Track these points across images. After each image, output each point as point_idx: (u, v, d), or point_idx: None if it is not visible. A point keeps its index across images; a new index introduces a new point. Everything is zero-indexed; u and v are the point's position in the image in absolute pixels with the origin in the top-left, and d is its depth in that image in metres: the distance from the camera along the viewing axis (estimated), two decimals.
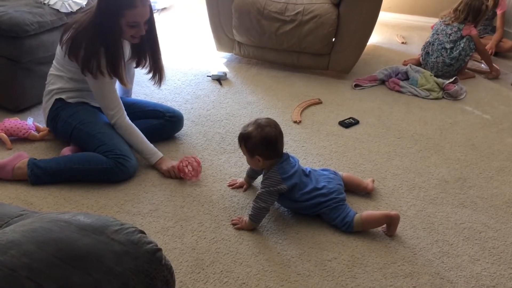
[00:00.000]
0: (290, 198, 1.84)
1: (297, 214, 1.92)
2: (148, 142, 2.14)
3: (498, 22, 3.70)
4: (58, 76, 2.14)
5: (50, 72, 2.18)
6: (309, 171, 1.93)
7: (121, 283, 0.76)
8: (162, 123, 2.33)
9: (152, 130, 2.26)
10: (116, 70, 2.01)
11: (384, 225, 1.84)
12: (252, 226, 1.81)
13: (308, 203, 1.84)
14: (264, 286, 1.58)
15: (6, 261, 0.73)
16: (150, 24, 2.07)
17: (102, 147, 2.03)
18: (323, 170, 2.01)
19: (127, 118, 2.12)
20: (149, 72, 2.22)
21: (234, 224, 1.84)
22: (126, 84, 2.10)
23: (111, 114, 2.09)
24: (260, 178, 1.92)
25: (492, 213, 2.00)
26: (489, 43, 3.63)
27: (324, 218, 1.87)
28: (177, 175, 2.09)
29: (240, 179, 2.08)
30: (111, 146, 2.03)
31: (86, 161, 2.01)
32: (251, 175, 2.04)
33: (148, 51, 2.17)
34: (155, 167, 2.14)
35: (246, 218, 1.83)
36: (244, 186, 2.05)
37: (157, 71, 2.22)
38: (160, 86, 2.26)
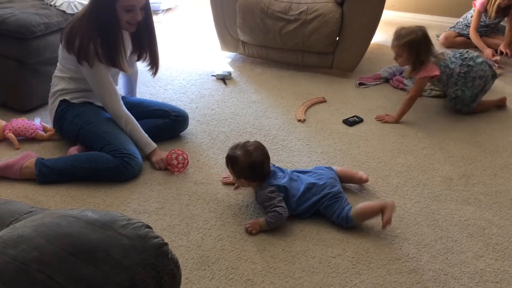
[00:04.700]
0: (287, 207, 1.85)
1: None
2: (144, 132, 2.18)
3: (508, 27, 3.60)
4: (60, 78, 2.19)
5: (54, 74, 2.22)
6: (298, 175, 1.95)
7: (128, 276, 0.78)
8: (168, 123, 2.35)
9: (157, 130, 2.29)
10: (114, 56, 2.04)
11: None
12: (267, 228, 1.82)
13: (303, 207, 1.86)
14: (269, 283, 1.60)
15: (18, 255, 0.76)
16: (146, 12, 2.10)
17: (108, 147, 2.05)
18: (315, 168, 2.03)
19: (124, 107, 2.16)
20: (148, 64, 2.27)
21: (249, 232, 1.81)
22: (125, 69, 2.12)
23: (108, 103, 2.13)
24: None
25: (496, 209, 2.00)
26: (502, 44, 3.56)
27: (323, 215, 1.89)
28: (165, 167, 2.14)
29: None
30: (117, 145, 2.05)
31: (93, 161, 2.04)
32: None
33: (146, 44, 2.21)
34: (147, 157, 2.19)
35: (257, 220, 1.83)
36: (236, 184, 2.08)
37: (154, 63, 2.26)
38: (155, 75, 2.30)
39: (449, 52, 2.76)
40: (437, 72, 2.57)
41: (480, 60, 2.67)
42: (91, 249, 0.78)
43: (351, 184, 2.10)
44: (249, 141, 1.88)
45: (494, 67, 3.40)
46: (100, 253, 0.78)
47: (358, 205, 1.85)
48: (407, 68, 2.64)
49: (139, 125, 2.18)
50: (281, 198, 1.82)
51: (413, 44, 2.48)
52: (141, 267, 0.80)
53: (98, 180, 2.05)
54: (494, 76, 2.76)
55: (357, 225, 1.84)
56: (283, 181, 1.87)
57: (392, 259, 1.72)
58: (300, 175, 1.96)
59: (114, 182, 2.05)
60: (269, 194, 1.82)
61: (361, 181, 2.06)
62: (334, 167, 2.04)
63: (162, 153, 2.19)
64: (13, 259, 0.75)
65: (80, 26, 2.00)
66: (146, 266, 0.81)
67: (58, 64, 2.20)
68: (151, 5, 2.13)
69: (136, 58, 2.29)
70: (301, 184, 1.90)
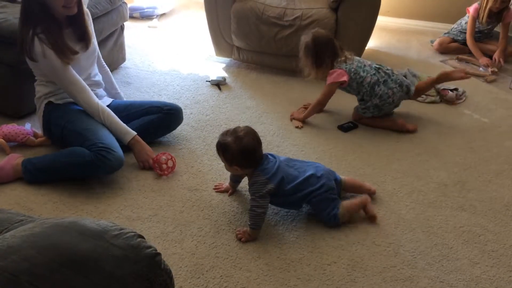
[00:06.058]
0: (280, 193, 1.83)
1: (296, 218, 1.92)
2: (120, 121, 2.17)
3: (502, 33, 3.59)
4: (39, 84, 2.21)
5: (35, 83, 2.23)
6: (294, 163, 1.93)
7: (120, 287, 0.77)
8: (160, 117, 2.33)
9: (151, 125, 2.29)
10: (56, 39, 2.02)
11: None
12: (255, 234, 1.81)
13: (299, 195, 1.85)
14: None
15: (7, 266, 0.74)
16: None
17: (86, 143, 2.04)
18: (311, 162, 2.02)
19: (95, 98, 2.15)
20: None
21: (239, 239, 1.81)
22: (70, 53, 2.07)
23: (76, 95, 2.11)
24: (245, 181, 1.94)
25: (491, 216, 2.00)
26: (496, 52, 3.55)
27: (312, 207, 1.90)
28: (151, 166, 2.16)
29: (226, 184, 2.08)
30: (93, 140, 2.03)
31: (72, 155, 2.04)
32: (235, 179, 2.05)
33: (83, 22, 2.15)
34: (129, 147, 2.17)
35: (247, 228, 1.82)
36: (229, 191, 2.06)
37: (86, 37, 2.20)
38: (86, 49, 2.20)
39: (366, 61, 2.65)
40: (345, 78, 2.52)
41: (395, 77, 2.59)
42: (82, 260, 0.77)
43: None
44: (239, 127, 1.83)
45: (487, 73, 3.43)
46: (92, 264, 0.77)
47: (343, 202, 1.89)
48: (309, 73, 2.60)
49: (114, 115, 2.16)
50: (264, 193, 1.78)
51: (307, 47, 2.53)
52: (133, 278, 0.79)
53: (89, 185, 2.04)
54: (409, 93, 2.66)
55: (341, 223, 1.87)
56: (275, 167, 1.82)
57: (388, 266, 1.71)
58: (297, 163, 1.94)
59: (107, 188, 2.03)
60: (257, 187, 1.79)
61: (369, 192, 2.05)
62: (342, 177, 2.02)
63: (144, 145, 2.18)
64: (2, 270, 0.74)
65: (21, 31, 2.01)
66: (138, 277, 0.79)
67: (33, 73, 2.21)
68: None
69: (85, 42, 2.20)
70: (297, 172, 1.88)
